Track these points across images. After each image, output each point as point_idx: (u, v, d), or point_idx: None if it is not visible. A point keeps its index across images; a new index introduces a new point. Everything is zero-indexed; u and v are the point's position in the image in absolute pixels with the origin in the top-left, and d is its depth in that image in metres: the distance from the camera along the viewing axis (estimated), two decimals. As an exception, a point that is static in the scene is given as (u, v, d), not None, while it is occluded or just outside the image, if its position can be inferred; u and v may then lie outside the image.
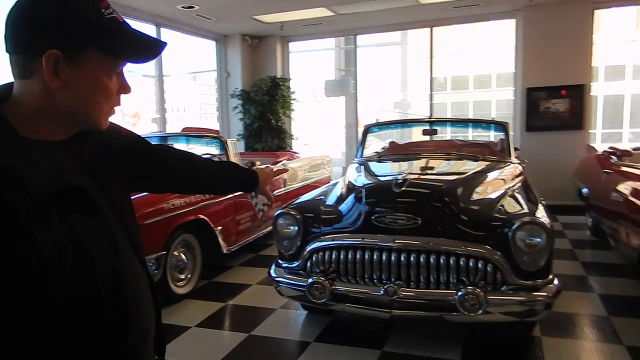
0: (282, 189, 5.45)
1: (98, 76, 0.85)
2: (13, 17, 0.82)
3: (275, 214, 3.19)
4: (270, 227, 5.12)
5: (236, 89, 8.28)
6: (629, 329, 3.19)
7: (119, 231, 0.92)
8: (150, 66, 10.13)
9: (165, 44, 0.92)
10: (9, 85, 0.87)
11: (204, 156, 1.55)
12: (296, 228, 3.08)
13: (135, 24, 7.26)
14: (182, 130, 5.28)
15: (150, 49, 0.90)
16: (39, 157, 0.81)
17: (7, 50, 0.84)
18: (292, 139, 8.53)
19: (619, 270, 4.35)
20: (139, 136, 1.20)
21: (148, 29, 7.39)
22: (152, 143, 1.25)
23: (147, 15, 6.85)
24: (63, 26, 0.81)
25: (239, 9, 6.78)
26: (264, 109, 7.82)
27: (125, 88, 0.91)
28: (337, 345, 3.10)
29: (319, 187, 4.26)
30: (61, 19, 0.81)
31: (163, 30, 7.28)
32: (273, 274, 3.15)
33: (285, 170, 2.32)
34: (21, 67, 0.83)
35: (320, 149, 14.09)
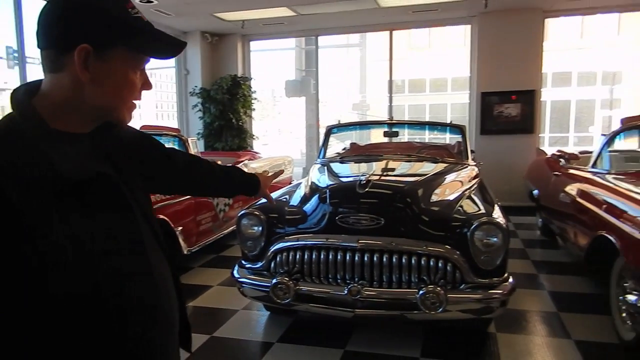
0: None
1: (124, 71, 0.90)
2: (46, 14, 0.87)
3: (239, 214, 3.17)
4: (232, 228, 5.09)
5: (196, 87, 8.14)
6: (576, 324, 3.36)
7: (143, 223, 0.96)
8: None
9: (185, 43, 0.99)
10: (39, 81, 0.91)
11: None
12: (260, 228, 3.07)
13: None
14: (141, 129, 5.15)
15: (172, 47, 0.96)
16: (67, 147, 0.86)
17: (39, 46, 0.88)
18: (253, 138, 8.47)
19: (567, 268, 4.58)
20: (152, 137, 1.26)
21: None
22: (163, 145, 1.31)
23: (103, 8, 6.63)
24: (93, 23, 0.86)
25: (199, 5, 6.67)
26: (224, 107, 7.73)
27: (147, 84, 0.96)
28: (300, 345, 3.12)
29: (281, 187, 4.25)
30: (92, 16, 0.86)
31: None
32: (236, 275, 3.13)
33: (281, 172, 2.30)
34: (52, 61, 0.87)
35: (280, 149, 14.06)
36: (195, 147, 4.80)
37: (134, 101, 0.95)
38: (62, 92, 0.87)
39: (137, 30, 0.90)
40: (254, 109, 8.38)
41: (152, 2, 6.36)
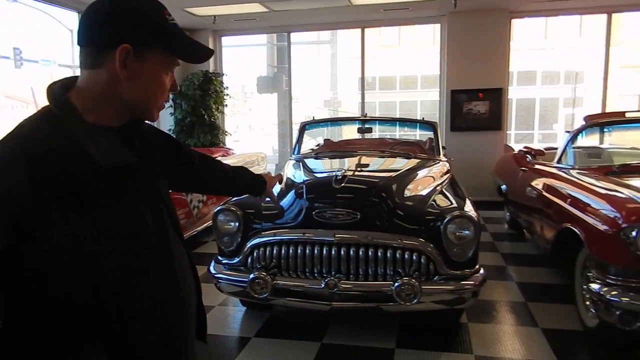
0: (217, 185, 5.38)
1: (158, 72, 0.98)
2: (91, 15, 0.93)
3: (215, 210, 3.16)
4: (206, 224, 5.07)
5: (166, 82, 8.00)
6: (543, 313, 3.50)
7: (166, 216, 1.03)
8: (67, 56, 9.54)
9: (213, 51, 1.08)
10: (74, 77, 0.97)
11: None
12: (237, 224, 3.08)
13: (56, 10, 6.80)
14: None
15: (202, 52, 1.05)
16: (100, 137, 0.91)
17: (79, 43, 0.95)
18: (226, 135, 8.41)
19: (534, 260, 4.74)
20: (171, 136, 1.34)
21: (70, 16, 6.98)
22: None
23: (70, 1, 6.46)
24: (136, 26, 0.94)
25: (170, 0, 6.56)
26: (196, 103, 7.65)
27: (174, 85, 1.04)
28: (278, 339, 3.14)
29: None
30: (135, 19, 0.94)
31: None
32: (213, 271, 3.12)
33: (280, 177, 2.36)
34: (92, 58, 0.93)
35: (251, 145, 13.98)
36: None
37: (165, 100, 1.03)
38: (98, 87, 0.93)
39: (173, 35, 0.98)
40: (226, 105, 8.32)
41: (121, -5, 6.21)
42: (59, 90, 0.94)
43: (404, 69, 23.93)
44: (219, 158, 5.72)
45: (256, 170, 6.47)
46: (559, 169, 4.15)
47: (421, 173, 3.78)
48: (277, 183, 1.93)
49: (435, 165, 4.13)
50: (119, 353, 0.91)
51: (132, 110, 0.99)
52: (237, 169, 1.67)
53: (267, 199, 1.90)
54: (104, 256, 0.86)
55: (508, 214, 6.01)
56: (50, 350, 0.82)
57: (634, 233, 2.56)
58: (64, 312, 0.82)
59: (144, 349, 0.94)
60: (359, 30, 8.37)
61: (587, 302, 3.13)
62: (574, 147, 4.24)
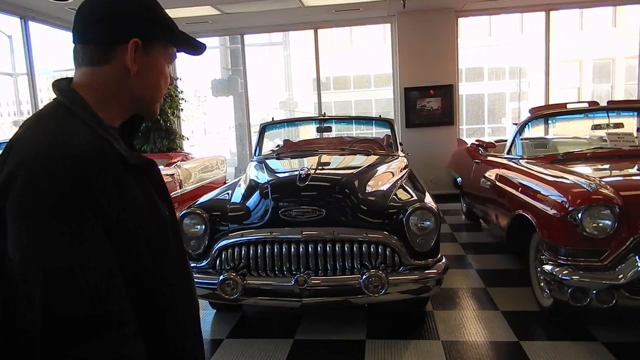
0: (178, 190, 5.32)
1: (162, 65, 0.99)
2: (93, 9, 0.92)
3: (180, 214, 3.15)
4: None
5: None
6: (502, 296, 3.69)
7: (172, 215, 1.02)
8: (6, 63, 9.12)
9: (205, 45, 1.07)
10: (68, 77, 0.95)
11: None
12: (203, 227, 3.08)
13: (-4, 16, 6.48)
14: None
15: (197, 46, 1.05)
16: (116, 136, 0.91)
17: (79, 41, 0.93)
18: (183, 139, 8.29)
19: (491, 248, 4.97)
20: None
21: (12, 22, 6.70)
22: None
23: (11, 6, 6.21)
24: (142, 18, 0.94)
25: (119, 4, 6.41)
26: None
27: (171, 78, 1.05)
28: (250, 339, 3.17)
29: (216, 187, 4.25)
30: (140, 12, 0.94)
31: (31, 23, 6.64)
32: (181, 275, 3.10)
33: None
34: (99, 54, 0.91)
35: (207, 149, 13.81)
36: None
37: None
38: (106, 84, 0.92)
39: (173, 27, 0.99)
40: (182, 109, 8.20)
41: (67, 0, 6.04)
42: (72, 90, 0.91)
43: (357, 69, 24.25)
44: (178, 163, 5.66)
45: (216, 173, 6.43)
46: (509, 159, 4.37)
47: (381, 169, 3.90)
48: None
49: (394, 161, 4.26)
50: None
51: (138, 107, 0.99)
52: None
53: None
54: (140, 252, 0.86)
55: (464, 205, 6.24)
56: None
57: (579, 215, 2.75)
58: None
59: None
60: (312, 31, 8.46)
61: (542, 284, 3.33)
62: (521, 139, 4.48)
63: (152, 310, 0.88)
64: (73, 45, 0.94)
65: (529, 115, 4.66)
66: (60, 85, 0.92)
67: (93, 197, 0.77)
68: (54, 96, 0.93)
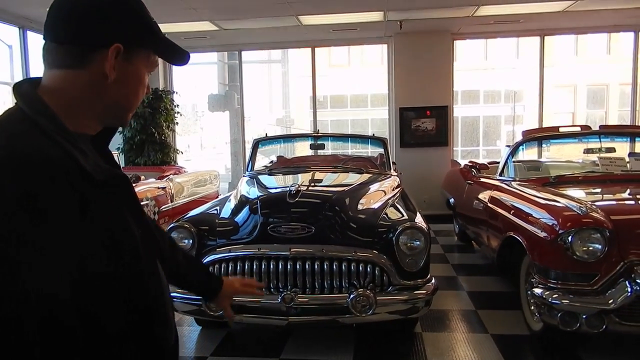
0: (169, 204, 5.28)
1: (142, 73, 0.92)
2: (72, 6, 0.83)
3: (169, 227, 3.12)
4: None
5: (114, 100, 7.81)
6: (492, 319, 3.64)
7: (146, 222, 0.96)
8: (5, 72, 9.13)
9: (189, 55, 1.00)
10: (38, 78, 0.86)
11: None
12: (191, 241, 3.04)
13: (-6, 25, 6.51)
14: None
15: (182, 54, 0.98)
16: (84, 148, 0.81)
17: (55, 39, 0.83)
18: (177, 153, 8.28)
19: (483, 270, 4.93)
20: None
21: (10, 32, 6.72)
22: None
23: (10, 16, 6.23)
24: (127, 23, 0.86)
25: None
26: (145, 122, 7.51)
27: (148, 88, 0.97)
28: (235, 357, 3.11)
29: (208, 202, 4.22)
30: (126, 16, 0.86)
31: (30, 34, 6.66)
32: (166, 290, 3.05)
33: (253, 291, 1.57)
34: (75, 57, 0.83)
35: (203, 164, 13.79)
36: (118, 161, 4.63)
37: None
38: (79, 90, 0.84)
39: (158, 34, 0.92)
40: (177, 123, 8.20)
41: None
42: (33, 93, 0.82)
43: (355, 88, 24.45)
44: (171, 176, 5.63)
45: (209, 188, 6.40)
46: (501, 181, 4.37)
47: (373, 187, 3.88)
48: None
49: (386, 180, 4.25)
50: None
51: (112, 115, 0.91)
52: (192, 258, 1.46)
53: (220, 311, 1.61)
54: (104, 275, 0.78)
55: (457, 226, 6.22)
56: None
57: (570, 238, 2.73)
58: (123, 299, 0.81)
59: None
60: (310, 49, 8.53)
61: (532, 307, 3.29)
62: (514, 161, 4.48)
63: (117, 338, 0.81)
64: (44, 42, 0.85)
65: (522, 137, 4.68)
66: (22, 90, 0.83)
67: (44, 216, 0.70)
68: None
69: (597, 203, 3.13)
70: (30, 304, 0.68)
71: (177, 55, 0.98)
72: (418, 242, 2.98)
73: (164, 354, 0.93)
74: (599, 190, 3.75)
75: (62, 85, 0.83)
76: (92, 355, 0.77)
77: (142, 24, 0.89)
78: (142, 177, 5.03)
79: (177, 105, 8.30)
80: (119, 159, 4.97)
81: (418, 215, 3.32)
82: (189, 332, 3.52)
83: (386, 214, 3.27)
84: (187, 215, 3.31)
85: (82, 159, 0.78)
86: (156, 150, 7.47)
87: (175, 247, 1.34)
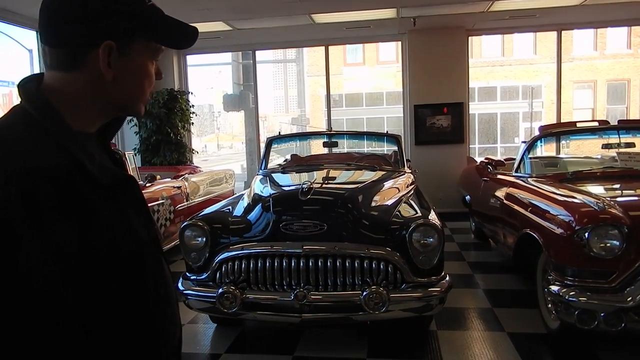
0: (185, 203, 5.33)
1: (144, 64, 0.87)
2: (59, 9, 0.81)
3: (182, 225, 3.14)
4: (174, 243, 5.00)
5: (130, 101, 7.91)
6: (509, 317, 3.59)
7: (151, 225, 0.93)
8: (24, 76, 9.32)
9: (197, 30, 0.92)
10: (41, 75, 0.84)
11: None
12: (204, 239, 3.06)
13: (12, 29, 6.65)
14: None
15: (187, 35, 0.91)
16: (90, 149, 0.80)
17: (48, 43, 0.82)
18: (192, 153, 8.35)
19: (499, 267, 4.87)
20: None
21: (27, 35, 6.85)
22: None
23: (30, 20, 6.35)
24: (114, 17, 0.81)
25: (133, 19, 6.54)
26: (161, 122, 7.59)
27: (159, 74, 0.93)
28: (249, 354, 3.12)
29: (223, 200, 4.25)
30: (111, 10, 0.81)
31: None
32: (181, 287, 3.09)
33: None
34: (69, 59, 0.81)
35: (219, 164, 13.90)
36: (133, 162, 4.69)
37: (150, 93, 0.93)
38: (78, 92, 0.82)
39: (154, 20, 0.87)
40: (192, 123, 8.27)
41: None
42: (39, 93, 0.81)
43: (370, 86, 24.39)
44: (185, 175, 5.68)
45: (224, 187, 6.44)
46: (517, 177, 4.31)
47: (386, 184, 3.86)
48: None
49: (400, 177, 4.22)
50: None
51: (117, 110, 0.89)
52: None
53: None
54: (104, 279, 0.76)
55: (473, 223, 6.16)
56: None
57: (586, 234, 2.68)
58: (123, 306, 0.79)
59: None
60: (323, 48, 8.52)
61: (549, 305, 3.24)
62: (530, 157, 4.41)
63: (120, 341, 0.80)
64: (41, 45, 0.84)
65: (539, 132, 4.61)
66: (27, 89, 0.82)
67: (40, 219, 0.68)
68: None
69: (615, 199, 3.06)
70: (30, 308, 0.68)
71: (181, 37, 0.91)
72: (431, 239, 2.95)
73: (167, 350, 0.92)
74: (617, 186, 3.68)
75: (63, 86, 0.82)
76: (97, 352, 0.76)
77: (132, 15, 0.83)
78: (158, 177, 5.09)
79: (193, 105, 8.37)
80: (135, 159, 5.02)
81: (432, 212, 3.29)
82: (203, 329, 3.55)
83: (399, 211, 3.25)
84: (201, 214, 3.33)
85: (89, 163, 0.77)
86: (172, 150, 7.55)
87: None
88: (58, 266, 0.69)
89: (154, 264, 0.89)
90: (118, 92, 0.85)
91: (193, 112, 8.32)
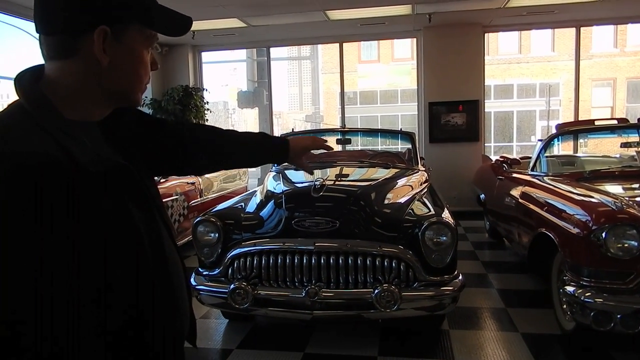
0: (199, 199, 5.36)
1: (139, 51, 0.87)
2: None
3: (195, 221, 3.16)
4: (187, 239, 5.03)
5: (146, 97, 8.00)
6: (522, 318, 3.55)
7: (159, 220, 0.92)
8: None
9: (191, 19, 0.94)
10: (41, 66, 0.84)
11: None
12: (216, 235, 3.07)
13: (24, 24, 6.73)
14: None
15: (181, 23, 0.92)
16: (83, 137, 0.80)
17: (42, 32, 0.82)
18: (206, 149, 8.40)
19: (514, 267, 4.81)
20: (149, 115, 1.17)
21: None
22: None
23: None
24: (108, 2, 0.81)
25: (149, 16, 6.58)
26: (176, 118, 7.64)
27: (155, 63, 0.92)
28: (260, 350, 3.12)
29: (235, 196, 4.26)
30: None
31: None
32: (193, 283, 3.11)
33: (324, 146, 1.56)
34: (65, 47, 0.81)
35: (233, 161, 13.94)
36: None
37: (147, 82, 0.92)
38: (75, 80, 0.82)
39: (149, 7, 0.87)
40: (207, 120, 8.32)
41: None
42: (30, 83, 0.81)
43: (384, 84, 24.27)
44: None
45: (237, 183, 6.47)
46: (533, 176, 4.25)
47: (399, 182, 3.84)
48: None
49: (413, 175, 4.19)
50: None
51: (116, 99, 0.88)
52: (247, 133, 1.37)
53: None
54: (92, 271, 0.75)
55: (488, 222, 6.09)
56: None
57: (603, 234, 2.63)
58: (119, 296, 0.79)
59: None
60: (338, 45, 8.50)
61: (564, 306, 3.18)
62: (546, 156, 4.35)
63: (125, 329, 0.80)
64: (38, 35, 0.84)
65: (556, 130, 4.54)
66: (22, 83, 0.82)
67: (17, 205, 0.68)
68: None
69: (633, 198, 3.00)
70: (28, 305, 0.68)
71: (174, 25, 0.92)
72: (444, 238, 2.92)
73: (175, 344, 0.93)
74: (636, 185, 3.60)
75: (60, 75, 0.82)
76: (103, 346, 0.77)
77: (127, 0, 0.83)
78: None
79: (207, 102, 8.41)
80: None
81: (445, 210, 3.26)
82: (215, 324, 3.57)
83: (412, 209, 3.23)
84: (214, 210, 3.35)
85: (79, 151, 0.76)
86: (186, 147, 7.60)
87: (237, 135, 1.32)
88: (33, 251, 0.69)
89: (157, 252, 0.87)
90: (114, 79, 0.84)
91: (208, 109, 8.36)
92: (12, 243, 0.67)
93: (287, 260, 2.91)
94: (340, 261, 2.87)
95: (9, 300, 0.67)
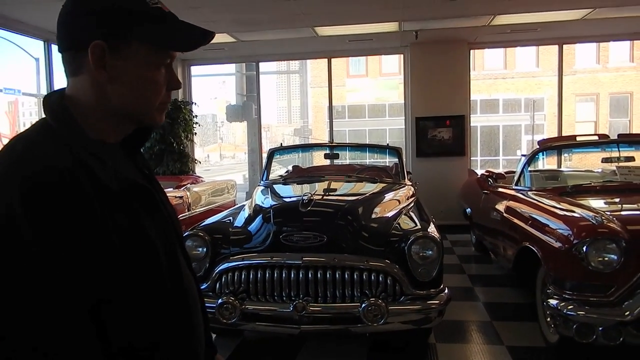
0: (187, 213, 5.35)
1: (145, 69, 0.84)
2: (62, 15, 0.83)
3: (183, 236, 3.16)
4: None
5: (134, 111, 7.99)
6: (508, 331, 3.59)
7: (176, 240, 0.92)
8: (32, 84, 9.43)
9: (213, 33, 0.89)
10: (62, 89, 0.87)
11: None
12: (205, 249, 3.08)
13: (20, 39, 6.73)
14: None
15: (196, 37, 0.87)
16: (105, 156, 0.80)
17: (58, 49, 0.85)
18: (195, 163, 8.40)
19: (500, 281, 4.86)
20: None
21: (36, 45, 6.94)
22: None
23: (36, 30, 6.44)
24: (106, 18, 0.80)
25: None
26: (164, 132, 7.65)
27: (174, 82, 0.89)
28: (247, 365, 3.12)
29: (224, 210, 4.27)
30: (104, 11, 0.80)
31: (54, 47, 6.87)
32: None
33: None
34: (71, 63, 0.83)
35: (222, 174, 13.95)
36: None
37: (165, 102, 0.89)
38: (85, 96, 0.83)
39: (155, 22, 0.83)
40: (195, 133, 8.33)
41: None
42: (57, 100, 0.82)
43: (372, 98, 24.49)
44: (187, 185, 5.71)
45: (226, 197, 6.46)
46: (517, 190, 4.32)
47: (387, 197, 3.88)
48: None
49: (400, 189, 4.24)
50: None
51: (129, 119, 0.87)
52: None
53: None
54: (110, 290, 0.75)
55: (474, 236, 6.16)
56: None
57: (584, 248, 2.69)
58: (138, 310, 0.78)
59: None
60: (326, 60, 8.60)
61: (548, 319, 3.24)
62: (530, 171, 4.44)
63: (140, 350, 0.79)
64: None
65: (538, 146, 4.63)
66: (50, 100, 0.84)
67: (43, 227, 0.69)
68: None
69: (614, 213, 3.08)
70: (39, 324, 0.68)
71: (185, 41, 0.88)
72: (430, 252, 2.97)
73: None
74: (616, 200, 3.69)
75: (76, 92, 0.84)
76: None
77: (123, 15, 0.81)
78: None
79: (196, 115, 8.44)
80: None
81: (431, 225, 3.31)
82: (203, 339, 3.55)
83: (399, 223, 3.27)
84: (202, 224, 3.36)
85: (98, 169, 0.76)
86: (174, 160, 7.60)
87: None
88: (50, 264, 0.69)
89: (174, 272, 0.86)
90: (118, 97, 0.83)
91: (196, 123, 8.38)
92: (32, 256, 0.68)
93: (275, 275, 2.92)
94: (328, 275, 2.90)
95: (24, 314, 0.68)
